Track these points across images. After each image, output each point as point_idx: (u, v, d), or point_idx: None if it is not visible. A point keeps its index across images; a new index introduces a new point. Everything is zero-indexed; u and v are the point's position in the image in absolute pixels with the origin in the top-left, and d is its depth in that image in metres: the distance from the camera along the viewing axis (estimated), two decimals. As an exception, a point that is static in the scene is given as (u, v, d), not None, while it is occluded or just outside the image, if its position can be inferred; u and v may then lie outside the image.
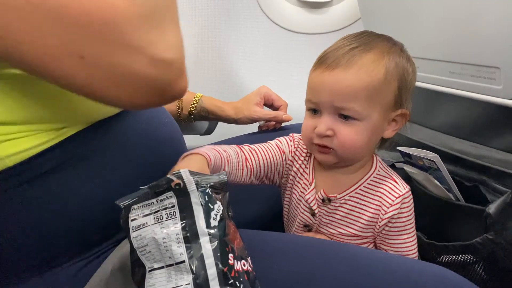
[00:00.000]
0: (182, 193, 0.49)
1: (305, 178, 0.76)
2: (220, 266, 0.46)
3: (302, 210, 0.76)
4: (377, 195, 0.72)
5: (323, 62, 0.68)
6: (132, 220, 0.50)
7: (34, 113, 0.52)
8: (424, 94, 0.96)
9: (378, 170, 0.74)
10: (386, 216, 0.71)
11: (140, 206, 0.50)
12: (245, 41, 1.54)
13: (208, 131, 1.18)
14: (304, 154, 0.78)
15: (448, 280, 0.60)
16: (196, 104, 1.04)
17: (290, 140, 0.79)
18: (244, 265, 0.50)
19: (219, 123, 1.16)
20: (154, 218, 0.49)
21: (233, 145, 0.75)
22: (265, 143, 0.79)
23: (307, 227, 0.77)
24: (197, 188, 0.49)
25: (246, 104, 1.05)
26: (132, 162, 0.62)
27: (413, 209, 0.73)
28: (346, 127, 0.68)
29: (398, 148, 0.93)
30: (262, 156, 0.76)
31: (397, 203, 0.70)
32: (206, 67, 1.53)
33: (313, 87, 0.70)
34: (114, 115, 0.61)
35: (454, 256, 0.86)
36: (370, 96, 0.67)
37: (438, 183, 0.87)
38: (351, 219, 0.73)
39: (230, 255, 0.48)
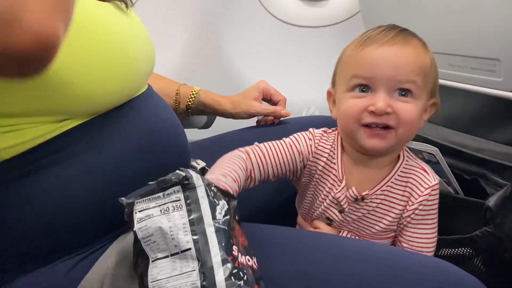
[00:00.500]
0: (189, 188, 0.51)
1: (333, 175, 0.72)
2: (225, 255, 0.48)
3: (329, 206, 0.74)
4: (407, 186, 0.70)
5: (375, 40, 0.66)
6: (137, 213, 0.51)
7: (34, 105, 0.52)
8: (423, 87, 0.96)
9: (407, 161, 0.72)
10: (413, 207, 0.69)
11: (145, 200, 0.51)
12: (243, 34, 1.53)
13: (206, 125, 1.17)
14: (328, 150, 0.73)
15: (448, 272, 0.60)
16: (193, 98, 1.03)
17: (310, 139, 0.74)
18: (249, 260, 0.51)
19: (217, 117, 1.16)
20: (161, 210, 0.50)
21: (242, 150, 0.71)
22: (279, 142, 0.74)
23: (329, 221, 0.75)
24: (204, 183, 0.52)
25: (244, 99, 1.04)
26: (131, 157, 0.61)
27: (437, 204, 0.71)
28: (405, 104, 0.65)
29: (397, 141, 0.93)
30: (271, 161, 0.72)
31: (426, 194, 0.69)
32: (204, 61, 1.53)
33: (366, 63, 0.65)
34: (115, 109, 0.61)
35: (453, 249, 0.86)
36: (425, 76, 0.66)
37: (438, 177, 0.87)
38: (380, 214, 0.71)
39: (234, 247, 0.49)
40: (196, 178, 0.52)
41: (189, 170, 0.52)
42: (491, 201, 0.76)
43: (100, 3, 0.60)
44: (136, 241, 0.50)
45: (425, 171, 0.70)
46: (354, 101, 0.66)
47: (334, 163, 0.72)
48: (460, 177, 0.86)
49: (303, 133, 0.75)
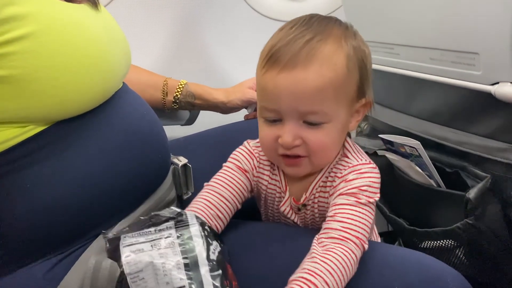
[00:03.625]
0: (182, 225, 0.50)
1: (278, 187, 0.71)
2: None
3: (283, 219, 0.73)
4: (333, 175, 0.67)
5: (276, 60, 0.58)
6: (124, 247, 0.48)
7: (6, 112, 0.51)
8: (404, 81, 0.96)
9: (340, 159, 0.68)
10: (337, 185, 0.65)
11: (134, 235, 0.49)
12: (225, 29, 1.52)
13: (190, 121, 1.16)
14: (268, 162, 0.71)
15: (428, 266, 0.60)
16: (181, 89, 1.02)
17: (248, 154, 0.72)
18: None
19: (201, 113, 1.15)
20: (152, 246, 0.48)
21: (197, 203, 0.67)
22: (223, 172, 0.70)
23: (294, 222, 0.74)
24: (197, 222, 0.51)
25: (239, 87, 1.05)
26: (108, 156, 0.61)
27: (368, 182, 0.62)
28: (315, 132, 0.61)
29: (379, 135, 0.94)
30: (230, 193, 0.69)
31: (347, 173, 0.64)
32: (187, 59, 1.51)
33: (269, 93, 0.60)
34: (93, 109, 0.59)
35: (435, 242, 0.86)
36: (337, 93, 0.60)
37: (420, 170, 0.88)
38: (324, 208, 0.69)
39: None
40: (190, 216, 0.51)
41: (183, 211, 0.51)
42: (472, 193, 0.77)
43: (72, 6, 0.58)
44: (120, 279, 0.47)
45: (347, 156, 0.66)
46: (267, 130, 0.63)
47: (276, 175, 0.71)
48: (442, 170, 0.87)
49: (241, 150, 0.72)
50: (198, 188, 0.80)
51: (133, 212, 0.65)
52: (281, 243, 0.66)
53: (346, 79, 0.61)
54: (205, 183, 0.70)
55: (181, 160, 0.78)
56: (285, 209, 0.70)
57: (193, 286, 0.46)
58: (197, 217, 0.52)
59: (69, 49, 0.54)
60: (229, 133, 0.97)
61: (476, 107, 0.81)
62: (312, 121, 0.60)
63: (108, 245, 0.49)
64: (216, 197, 0.67)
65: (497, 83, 0.72)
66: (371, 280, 0.59)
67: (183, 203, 0.78)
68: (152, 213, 0.50)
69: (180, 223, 0.49)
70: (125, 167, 0.62)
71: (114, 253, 0.48)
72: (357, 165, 0.64)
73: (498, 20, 0.69)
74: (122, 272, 0.47)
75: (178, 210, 0.50)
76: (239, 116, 1.10)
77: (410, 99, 0.98)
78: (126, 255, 0.47)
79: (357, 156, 0.67)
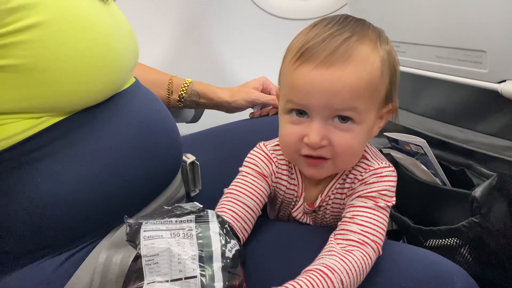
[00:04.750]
0: (203, 221, 0.51)
1: (295, 191, 0.70)
2: None
3: (293, 220, 0.73)
4: (356, 177, 0.66)
5: (311, 56, 0.57)
6: (145, 231, 0.49)
7: (20, 103, 0.52)
8: (410, 79, 0.96)
9: (360, 163, 0.67)
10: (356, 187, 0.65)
11: (155, 222, 0.50)
12: (231, 27, 1.52)
13: (194, 119, 1.16)
14: (286, 167, 0.70)
15: (436, 264, 0.60)
16: (186, 87, 1.02)
17: (266, 158, 0.69)
18: None
19: (206, 112, 1.15)
20: (171, 234, 0.49)
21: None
22: (244, 179, 0.68)
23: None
24: (217, 220, 0.52)
25: (244, 87, 1.04)
26: (120, 151, 0.61)
27: (387, 186, 0.63)
28: (343, 133, 0.59)
29: (385, 133, 0.93)
30: (251, 199, 0.66)
31: (367, 176, 0.64)
32: (192, 56, 1.51)
33: (300, 88, 0.59)
34: (102, 103, 0.60)
35: (440, 240, 0.86)
36: (370, 95, 0.59)
37: (425, 168, 0.88)
38: (338, 209, 0.70)
39: None
40: (211, 214, 0.52)
41: (205, 208, 0.52)
42: (477, 192, 0.77)
43: None
44: (136, 258, 0.48)
45: (367, 159, 0.66)
46: (291, 128, 0.61)
47: (294, 179, 0.70)
48: (447, 168, 0.87)
49: (258, 154, 0.70)
50: (204, 186, 0.80)
51: (145, 208, 0.65)
52: (301, 248, 0.65)
53: (379, 82, 0.60)
54: (225, 189, 0.68)
55: (189, 158, 0.78)
56: (297, 214, 0.70)
57: (203, 278, 0.47)
58: (217, 216, 0.52)
59: (78, 40, 0.54)
60: (234, 131, 0.98)
61: (483, 105, 0.81)
62: (346, 116, 0.59)
63: (128, 229, 0.50)
64: (241, 207, 0.65)
65: (504, 81, 0.72)
66: (378, 278, 0.59)
67: (191, 201, 0.78)
68: (176, 205, 0.51)
69: (201, 218, 0.51)
70: (137, 162, 0.62)
71: (133, 236, 0.49)
72: (378, 168, 0.64)
73: (505, 18, 0.69)
74: (138, 255, 0.48)
75: (201, 206, 0.51)
76: (244, 115, 1.10)
77: (416, 97, 0.98)
78: (145, 237, 0.48)
79: (377, 158, 0.67)
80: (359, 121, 0.60)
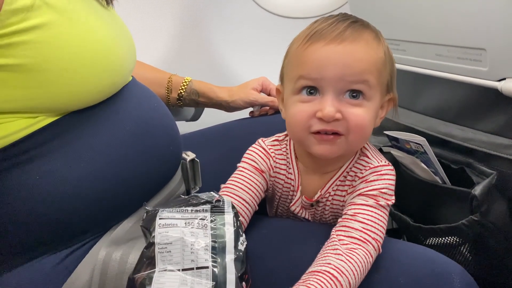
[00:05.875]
0: (218, 211, 0.51)
1: (291, 185, 0.71)
2: (239, 284, 0.48)
3: (292, 216, 0.74)
4: (354, 175, 0.67)
5: (322, 36, 0.60)
6: (160, 218, 0.50)
7: (18, 103, 0.52)
8: (411, 78, 0.96)
9: (360, 157, 0.69)
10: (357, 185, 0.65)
11: (171, 211, 0.51)
12: (230, 26, 1.52)
13: (194, 117, 1.16)
14: (284, 162, 0.71)
15: (436, 262, 0.60)
16: (185, 86, 1.02)
17: (264, 153, 0.71)
18: None
19: (206, 110, 1.15)
20: (186, 223, 0.50)
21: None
22: (241, 174, 0.69)
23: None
24: (233, 211, 0.52)
25: (243, 88, 1.04)
26: (119, 148, 0.61)
27: (387, 185, 0.64)
28: (356, 108, 0.60)
29: (385, 132, 0.93)
30: (248, 193, 0.68)
31: (367, 174, 0.65)
32: (192, 56, 1.51)
33: (312, 64, 0.60)
34: (102, 101, 0.60)
35: (440, 238, 0.86)
36: (378, 72, 0.61)
37: (425, 167, 0.88)
38: (337, 205, 0.70)
39: (244, 284, 0.49)
40: (227, 204, 0.52)
41: (223, 196, 0.53)
42: (477, 190, 0.77)
43: (82, 0, 0.59)
44: (149, 246, 0.49)
45: (367, 156, 0.67)
46: (302, 106, 0.61)
47: (291, 173, 0.71)
48: (447, 166, 0.87)
49: (256, 150, 0.71)
50: (204, 184, 0.80)
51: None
52: (301, 244, 0.65)
53: (384, 68, 0.62)
54: (222, 185, 0.69)
55: (189, 155, 0.78)
56: (295, 208, 0.71)
57: (215, 269, 0.47)
58: (233, 207, 0.52)
59: (79, 42, 0.54)
60: (234, 130, 0.98)
61: (483, 103, 0.81)
62: (359, 90, 0.60)
63: (145, 215, 0.50)
64: (237, 200, 0.66)
65: (504, 79, 0.72)
66: (377, 274, 0.59)
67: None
68: (192, 194, 0.52)
69: (217, 208, 0.51)
70: (136, 159, 0.62)
71: (149, 223, 0.50)
72: (377, 166, 0.65)
73: (505, 16, 0.69)
74: (152, 243, 0.48)
75: (217, 195, 0.52)
76: (244, 113, 1.10)
77: (415, 96, 0.97)
78: (160, 225, 0.49)
79: (377, 156, 0.68)
80: (369, 97, 0.61)
